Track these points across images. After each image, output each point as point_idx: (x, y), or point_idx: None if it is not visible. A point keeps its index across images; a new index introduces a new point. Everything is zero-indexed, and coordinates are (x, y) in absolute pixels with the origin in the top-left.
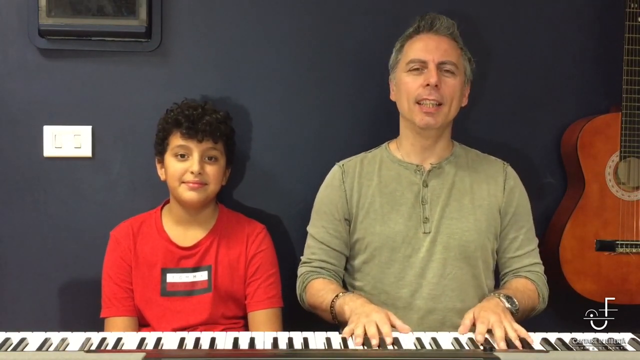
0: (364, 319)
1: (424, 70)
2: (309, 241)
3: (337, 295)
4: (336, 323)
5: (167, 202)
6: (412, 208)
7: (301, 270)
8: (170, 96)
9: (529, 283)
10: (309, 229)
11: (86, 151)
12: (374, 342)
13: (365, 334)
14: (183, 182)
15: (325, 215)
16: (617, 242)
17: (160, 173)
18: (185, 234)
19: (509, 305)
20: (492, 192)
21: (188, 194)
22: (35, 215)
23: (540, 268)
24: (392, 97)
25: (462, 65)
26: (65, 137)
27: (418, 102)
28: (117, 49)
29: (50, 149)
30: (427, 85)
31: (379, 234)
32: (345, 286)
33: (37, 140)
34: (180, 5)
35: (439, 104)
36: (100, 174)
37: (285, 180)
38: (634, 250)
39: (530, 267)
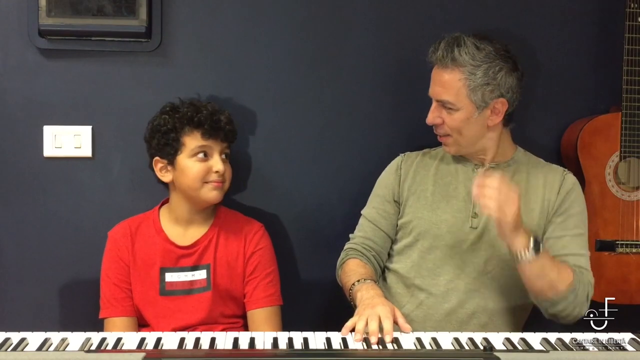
0: (369, 311)
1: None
2: (360, 220)
3: (357, 280)
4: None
5: (165, 202)
6: (463, 202)
7: (346, 245)
8: (170, 96)
9: (568, 267)
10: (363, 210)
11: (86, 151)
12: (373, 339)
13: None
14: (206, 183)
15: (378, 197)
16: (617, 242)
17: (164, 175)
18: (184, 233)
19: (533, 248)
20: (547, 197)
21: (213, 194)
22: (35, 215)
23: (588, 275)
24: None
25: (465, 97)
26: (65, 137)
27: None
28: (117, 49)
29: (50, 149)
30: None
31: (425, 219)
32: (383, 270)
33: (37, 140)
34: (180, 5)
35: (446, 135)
36: (100, 174)
37: (285, 181)
38: (634, 250)
39: (577, 267)
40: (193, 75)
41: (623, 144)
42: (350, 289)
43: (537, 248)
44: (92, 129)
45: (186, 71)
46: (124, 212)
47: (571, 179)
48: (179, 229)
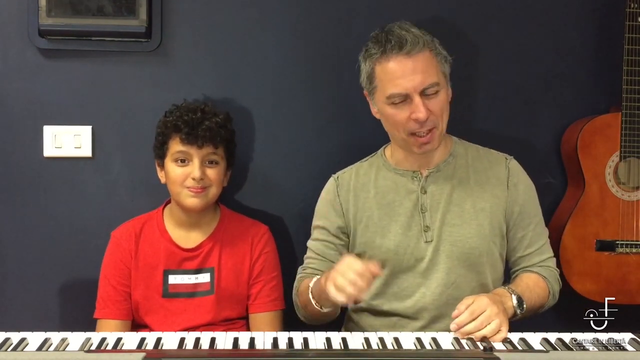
0: (335, 270)
1: (407, 101)
2: (308, 252)
3: (309, 286)
4: (320, 309)
5: (169, 202)
6: (412, 217)
7: (298, 276)
8: (170, 96)
9: (540, 280)
10: (309, 241)
11: (86, 151)
12: (356, 284)
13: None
14: (185, 188)
15: (321, 229)
16: (617, 242)
17: (160, 176)
18: (187, 236)
19: (518, 310)
20: (495, 192)
21: (190, 200)
22: (35, 215)
23: (552, 262)
24: (376, 116)
25: (442, 72)
26: (65, 137)
27: (412, 133)
28: (117, 49)
29: (50, 149)
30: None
31: (379, 247)
32: None
33: (37, 140)
34: (180, 5)
35: (433, 127)
36: (100, 174)
37: (286, 181)
38: (634, 250)
39: (541, 262)
40: (193, 75)
41: (623, 144)
42: (310, 292)
43: (521, 303)
44: (92, 129)
45: (186, 71)
46: (124, 212)
47: (515, 166)
48: (182, 231)
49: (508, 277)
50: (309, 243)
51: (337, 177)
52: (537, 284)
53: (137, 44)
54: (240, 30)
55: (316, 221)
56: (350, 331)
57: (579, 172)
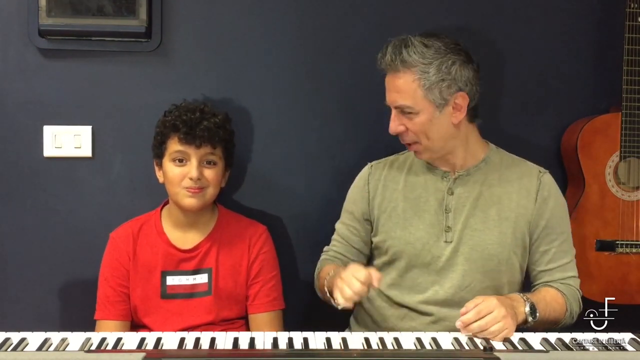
0: (343, 276)
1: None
2: (334, 234)
3: (328, 274)
4: (337, 306)
5: (167, 202)
6: (435, 215)
7: (320, 257)
8: (170, 96)
9: (559, 296)
10: (337, 223)
11: (86, 151)
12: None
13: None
14: (182, 188)
15: (348, 213)
16: (617, 242)
17: (159, 175)
18: (184, 237)
19: (530, 317)
20: (523, 203)
21: (188, 201)
22: (35, 216)
23: (575, 282)
24: None
25: (423, 98)
26: (65, 137)
27: None
28: (117, 49)
29: (50, 149)
30: None
31: (399, 238)
32: None
33: (37, 140)
34: (180, 5)
35: (415, 142)
36: (100, 174)
37: (285, 181)
38: (634, 250)
39: (563, 280)
40: (193, 75)
41: (623, 144)
42: (325, 286)
43: (534, 311)
44: (92, 129)
45: (186, 71)
46: (124, 212)
47: (547, 181)
48: (180, 232)
49: (527, 289)
50: (337, 225)
51: (372, 166)
52: (554, 298)
53: (137, 44)
54: (240, 30)
55: (346, 205)
56: (359, 319)
57: (579, 172)
